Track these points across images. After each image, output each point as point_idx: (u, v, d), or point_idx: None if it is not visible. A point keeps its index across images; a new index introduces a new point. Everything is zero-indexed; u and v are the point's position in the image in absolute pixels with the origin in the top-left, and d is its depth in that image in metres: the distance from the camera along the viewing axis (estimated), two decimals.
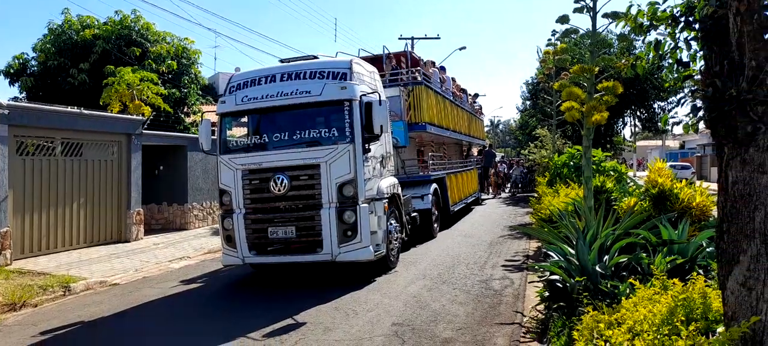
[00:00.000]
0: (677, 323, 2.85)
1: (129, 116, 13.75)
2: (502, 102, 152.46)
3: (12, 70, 19.06)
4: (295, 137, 8.25)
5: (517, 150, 40.88)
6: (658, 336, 2.70)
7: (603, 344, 2.72)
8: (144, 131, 13.92)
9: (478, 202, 20.56)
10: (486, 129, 38.42)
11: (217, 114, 8.72)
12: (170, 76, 19.30)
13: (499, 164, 28.96)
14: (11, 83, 19.15)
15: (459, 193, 16.01)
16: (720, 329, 3.30)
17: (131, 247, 12.76)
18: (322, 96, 8.02)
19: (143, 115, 14.88)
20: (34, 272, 9.72)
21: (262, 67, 8.96)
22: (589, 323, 3.60)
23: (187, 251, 12.28)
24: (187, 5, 32.07)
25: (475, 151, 23.48)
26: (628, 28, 4.30)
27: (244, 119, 8.85)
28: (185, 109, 20.50)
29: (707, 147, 36.69)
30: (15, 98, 18.73)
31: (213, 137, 9.08)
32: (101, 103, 15.73)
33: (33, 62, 19.29)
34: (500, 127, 75.46)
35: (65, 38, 18.67)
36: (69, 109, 11.82)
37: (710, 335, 3.37)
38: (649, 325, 2.78)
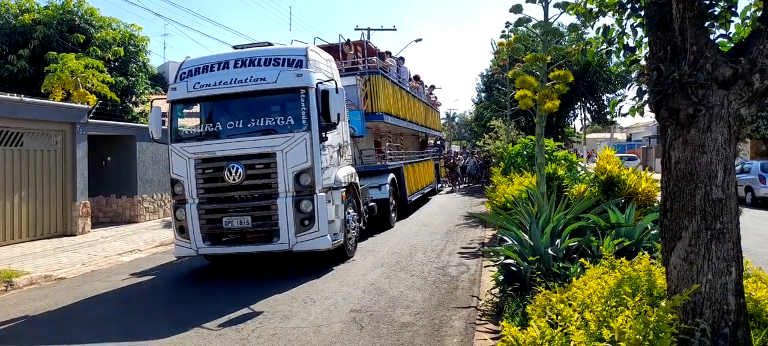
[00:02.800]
0: (623, 296, 2.97)
1: (73, 105, 13.18)
2: (458, 95, 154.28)
3: None
4: (250, 125, 8.11)
5: (472, 143, 41.52)
6: (606, 308, 2.81)
7: (555, 316, 2.81)
8: (90, 120, 13.37)
9: (434, 192, 20.79)
10: (442, 121, 38.86)
11: (167, 101, 8.47)
12: (117, 63, 18.59)
13: (456, 156, 29.35)
14: None
15: (416, 183, 16.14)
16: (663, 303, 3.46)
17: (78, 240, 12.27)
18: (277, 83, 7.91)
19: (88, 103, 14.29)
20: None
21: (214, 53, 8.73)
22: (542, 301, 3.71)
23: (138, 244, 11.91)
24: None
25: (431, 142, 23.70)
26: (579, 18, 4.42)
27: (197, 107, 8.62)
28: (133, 99, 19.82)
29: (653, 139, 38.28)
30: None
31: (164, 126, 8.81)
32: (43, 91, 15.01)
33: None
34: (456, 120, 76.34)
35: (2, 23, 17.68)
36: (8, 96, 11.21)
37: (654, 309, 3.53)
38: (597, 298, 2.88)
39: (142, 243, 12.03)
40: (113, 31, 19.05)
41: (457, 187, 25.50)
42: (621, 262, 4.06)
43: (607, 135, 56.34)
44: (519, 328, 2.90)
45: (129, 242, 12.14)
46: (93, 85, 15.27)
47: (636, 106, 3.33)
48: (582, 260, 4.36)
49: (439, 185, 22.09)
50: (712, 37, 3.23)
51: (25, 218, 11.82)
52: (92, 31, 18.43)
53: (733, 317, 2.94)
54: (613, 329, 2.48)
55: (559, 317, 2.81)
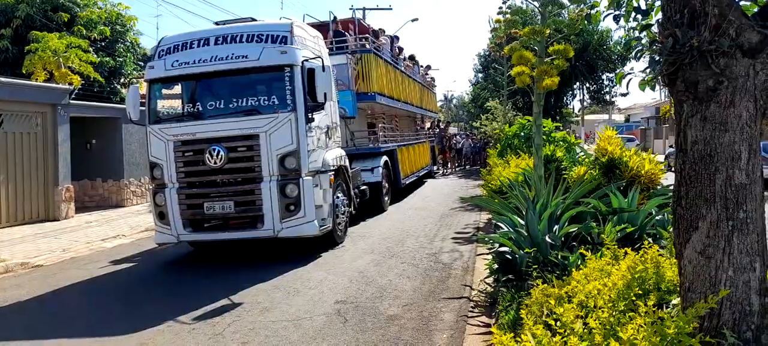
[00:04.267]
0: (633, 297, 2.60)
1: (53, 86, 12.68)
2: (455, 76, 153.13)
3: None
4: (231, 106, 7.68)
5: (469, 124, 41.04)
6: (614, 313, 2.44)
7: (553, 322, 2.45)
8: (73, 102, 12.90)
9: (430, 175, 20.40)
10: (440, 103, 38.26)
11: (145, 80, 8.02)
12: (103, 43, 18.02)
13: (453, 137, 28.89)
14: None
15: (411, 166, 15.75)
16: (674, 300, 3.09)
17: (60, 226, 11.88)
18: (260, 61, 7.46)
19: (71, 84, 13.79)
20: None
21: (195, 30, 8.26)
22: (538, 298, 3.34)
23: (123, 229, 11.53)
24: None
25: (427, 123, 23.25)
26: None
27: (176, 87, 8.17)
28: (121, 80, 19.29)
29: (651, 120, 37.90)
30: None
31: (142, 107, 8.36)
32: (24, 72, 14.50)
33: None
34: (454, 101, 75.70)
35: None
36: None
37: (664, 307, 3.16)
38: (603, 301, 2.51)
39: (126, 228, 11.65)
40: (99, 10, 18.45)
41: (454, 169, 24.97)
42: (625, 252, 3.70)
43: (605, 116, 55.91)
44: (512, 334, 2.52)
45: (113, 228, 11.76)
46: (76, 65, 14.73)
47: (647, 79, 2.92)
48: (582, 250, 3.98)
49: (435, 167, 21.64)
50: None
51: (5, 202, 11.42)
52: (77, 9, 17.84)
53: (757, 319, 2.58)
54: (622, 340, 2.11)
55: (558, 323, 2.44)
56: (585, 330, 2.28)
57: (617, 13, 3.05)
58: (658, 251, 3.77)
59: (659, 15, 3.05)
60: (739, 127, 2.61)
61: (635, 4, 3.00)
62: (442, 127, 26.08)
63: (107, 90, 17.98)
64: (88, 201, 14.87)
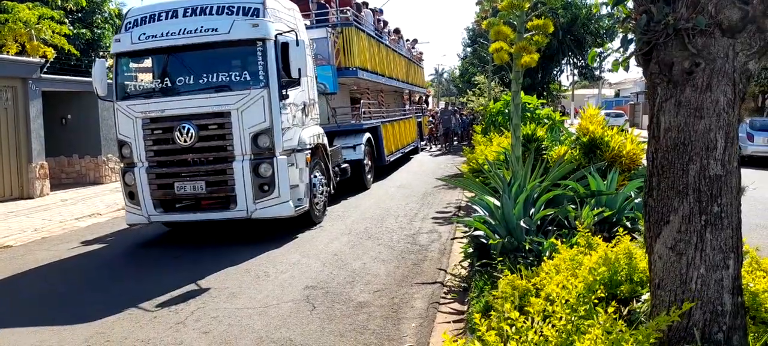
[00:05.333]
0: (595, 301, 2.43)
1: (22, 59, 12.24)
2: (446, 50, 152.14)
3: None
4: (201, 81, 7.38)
5: (457, 99, 40.68)
6: (574, 317, 2.26)
7: (508, 328, 2.26)
8: (45, 76, 12.48)
9: (416, 151, 20.19)
10: (430, 77, 37.92)
11: (111, 55, 7.69)
12: (80, 15, 17.45)
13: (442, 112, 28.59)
14: None
15: (396, 142, 15.51)
16: (645, 295, 2.93)
17: (34, 204, 11.59)
18: (230, 35, 7.14)
19: (44, 57, 13.34)
20: None
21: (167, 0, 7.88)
22: (505, 290, 3.17)
23: (98, 208, 11.26)
24: None
25: (416, 98, 22.92)
26: None
27: (146, 62, 7.85)
28: (100, 53, 18.75)
29: (640, 95, 37.77)
30: None
31: (109, 81, 8.04)
32: None
33: None
34: (445, 75, 75.14)
35: None
36: None
37: (634, 302, 3.01)
38: (561, 304, 2.33)
39: (102, 206, 11.38)
40: None
41: (444, 146, 24.27)
42: (597, 242, 3.53)
43: (595, 91, 55.75)
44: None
45: (88, 206, 11.48)
46: (49, 37, 14.24)
47: (620, 60, 2.71)
48: (556, 237, 3.81)
49: (423, 143, 21.39)
50: None
51: None
52: None
53: (729, 320, 2.41)
54: None
55: (514, 329, 2.26)
56: (541, 339, 2.10)
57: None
58: (631, 239, 3.61)
59: None
60: (716, 114, 2.41)
61: None
62: (426, 104, 25.63)
63: (85, 63, 17.47)
64: (65, 178, 14.54)
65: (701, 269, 2.40)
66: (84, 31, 17.32)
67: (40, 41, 13.92)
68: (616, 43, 2.69)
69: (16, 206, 11.36)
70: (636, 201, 5.06)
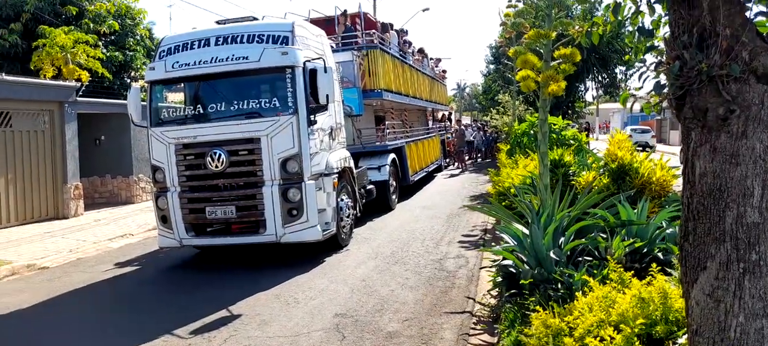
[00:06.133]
0: None
1: (59, 83, 12.67)
2: (468, 65, 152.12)
3: None
4: (232, 108, 7.56)
5: (481, 115, 40.56)
6: None
7: None
8: (80, 99, 12.89)
9: (440, 169, 20.18)
10: (452, 92, 37.88)
11: (145, 82, 7.93)
12: (113, 37, 17.99)
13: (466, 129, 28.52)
14: None
15: (420, 162, 15.56)
16: (682, 338, 2.92)
17: (69, 224, 11.92)
18: (260, 62, 7.31)
19: (80, 80, 13.78)
20: None
21: (196, 29, 8.12)
22: (538, 330, 3.18)
23: (130, 228, 11.53)
24: None
25: (439, 115, 22.92)
26: None
27: (178, 88, 8.08)
28: (132, 74, 19.28)
29: (667, 111, 37.14)
30: None
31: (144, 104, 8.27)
32: (32, 68, 14.52)
33: None
34: (467, 90, 75.12)
35: None
36: None
37: (671, 343, 2.99)
38: None
39: (134, 227, 11.65)
40: (107, 4, 18.41)
41: (460, 165, 22.21)
42: (630, 279, 3.51)
43: (620, 106, 54.99)
44: None
45: (121, 226, 11.77)
46: (84, 60, 14.71)
47: (652, 103, 2.72)
48: (585, 276, 3.80)
49: (446, 160, 21.28)
50: (749, 16, 2.60)
51: (13, 201, 11.47)
52: (85, 3, 17.81)
53: None
54: None
55: None
56: None
57: (620, 30, 2.84)
58: (665, 275, 3.59)
59: (665, 29, 2.84)
60: (752, 161, 2.40)
61: (639, 24, 2.79)
62: (450, 120, 25.30)
63: (117, 85, 17.98)
64: (97, 198, 14.92)
65: (740, 318, 2.39)
66: (117, 54, 17.83)
67: (75, 65, 14.39)
68: (639, 80, 2.70)
69: (52, 226, 11.70)
70: (668, 231, 5.00)
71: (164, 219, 7.74)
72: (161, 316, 5.82)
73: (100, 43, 17.11)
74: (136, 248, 9.79)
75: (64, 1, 17.51)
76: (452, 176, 19.33)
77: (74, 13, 17.28)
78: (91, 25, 17.23)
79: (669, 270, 4.18)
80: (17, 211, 11.58)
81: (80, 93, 13.02)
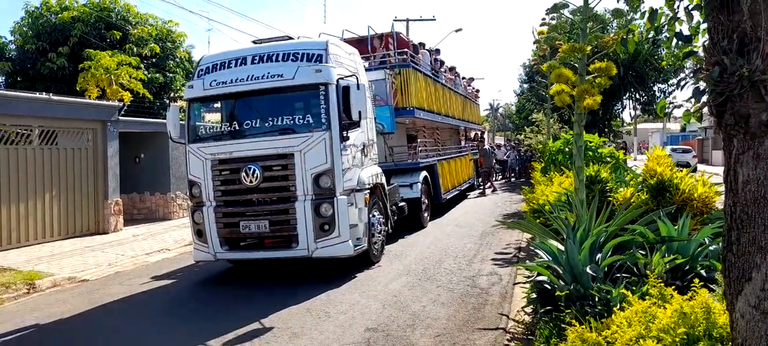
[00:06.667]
0: None
1: (103, 102, 13.17)
2: (501, 85, 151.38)
3: None
4: (267, 125, 7.70)
5: (515, 135, 40.17)
6: None
7: None
8: (122, 118, 13.35)
9: (473, 188, 20.01)
10: (485, 112, 37.73)
11: (183, 99, 8.16)
12: (154, 60, 18.63)
13: (496, 149, 28.27)
14: None
15: (452, 180, 15.48)
16: None
17: (109, 239, 12.26)
18: (295, 80, 7.45)
19: (122, 100, 14.29)
20: (0, 268, 9.23)
21: (233, 49, 8.35)
22: (574, 344, 3.09)
23: (167, 243, 11.79)
24: None
25: (472, 135, 22.80)
26: (622, 1, 3.74)
27: (215, 105, 8.29)
28: (171, 95, 19.89)
29: (709, 130, 36.07)
30: None
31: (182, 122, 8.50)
32: (78, 89, 15.13)
33: (11, 46, 18.63)
34: (500, 110, 74.67)
35: (43, 21, 18.00)
36: (38, 95, 11.24)
37: None
38: None
39: (171, 242, 11.90)
40: (150, 27, 19.11)
41: (493, 185, 21.03)
42: (671, 294, 3.39)
43: (659, 125, 53.74)
44: None
45: (158, 241, 12.04)
46: (126, 82, 15.27)
47: (692, 110, 2.65)
48: (623, 290, 3.68)
49: (479, 180, 21.04)
50: None
51: (57, 216, 11.88)
52: (129, 27, 18.54)
53: None
54: None
55: None
56: None
57: (657, 37, 2.80)
58: (708, 291, 3.45)
59: (705, 37, 2.78)
60: None
61: (677, 29, 2.74)
62: (482, 139, 24.80)
63: (157, 105, 18.56)
64: (136, 214, 15.34)
65: None
66: (157, 75, 18.45)
67: (118, 86, 14.94)
68: (678, 88, 2.64)
69: (93, 240, 12.05)
70: (711, 248, 4.82)
71: (200, 233, 7.89)
72: (194, 327, 5.90)
73: (142, 66, 17.75)
74: (172, 262, 9.99)
75: (108, 25, 18.28)
76: (484, 195, 19.11)
77: (118, 37, 18.00)
78: (134, 48, 17.89)
79: (712, 287, 4.02)
80: (60, 226, 11.99)
81: (122, 113, 13.49)
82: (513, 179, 25.65)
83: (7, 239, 10.84)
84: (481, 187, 19.79)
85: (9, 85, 17.45)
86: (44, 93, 11.74)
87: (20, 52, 18.07)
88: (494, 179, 22.59)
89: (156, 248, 11.34)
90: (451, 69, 17.97)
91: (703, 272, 4.72)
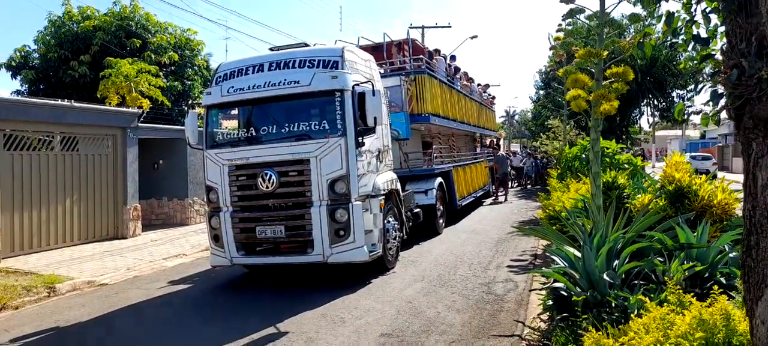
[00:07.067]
0: None
1: (123, 109, 13.38)
2: (517, 92, 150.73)
3: (14, 63, 18.84)
4: (283, 131, 7.77)
5: (531, 141, 39.94)
6: None
7: None
8: (141, 125, 13.55)
9: (488, 195, 19.91)
10: (501, 119, 37.55)
11: (202, 106, 8.27)
12: (173, 68, 18.91)
13: (512, 156, 28.09)
14: (13, 76, 18.94)
15: (467, 187, 15.42)
16: None
17: (127, 244, 12.42)
18: (311, 86, 7.51)
19: (141, 107, 14.51)
20: (22, 272, 9.40)
21: (250, 56, 8.45)
22: None
23: (184, 248, 11.91)
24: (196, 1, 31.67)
25: (487, 141, 22.71)
26: (639, 4, 3.72)
27: (233, 112, 8.38)
28: (190, 102, 20.15)
29: (729, 137, 35.49)
30: (17, 92, 18.55)
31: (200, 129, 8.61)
32: (99, 96, 15.41)
33: (34, 55, 19.05)
34: (516, 117, 74.32)
35: (65, 30, 18.38)
36: (59, 102, 11.47)
37: None
38: None
39: (188, 247, 12.02)
40: (169, 36, 19.41)
41: (498, 192, 20.03)
42: (690, 300, 3.35)
43: (678, 132, 53.03)
44: None
45: (175, 246, 12.17)
46: (146, 89, 15.51)
47: (710, 114, 2.63)
48: (641, 296, 3.64)
49: (493, 188, 20.88)
50: None
51: (77, 221, 12.07)
52: (148, 36, 18.86)
53: None
54: None
55: None
56: None
57: (674, 40, 2.78)
58: (728, 298, 3.40)
59: (723, 40, 2.76)
60: None
61: (695, 32, 2.72)
62: (498, 146, 24.49)
63: (175, 112, 18.81)
64: (154, 219, 15.52)
65: None
66: (176, 83, 18.71)
67: (138, 93, 15.19)
68: (696, 91, 2.62)
69: (111, 245, 12.22)
70: (731, 255, 4.75)
71: (216, 238, 7.96)
72: (210, 331, 5.95)
73: (160, 73, 18.01)
74: (189, 267, 10.08)
75: (129, 34, 18.60)
76: (498, 202, 18.98)
77: (138, 45, 18.31)
78: (153, 56, 18.18)
79: (732, 295, 3.96)
80: (80, 230, 12.18)
81: (141, 119, 13.70)
82: (529, 186, 25.51)
83: (28, 244, 11.04)
84: (495, 194, 19.62)
85: (32, 92, 17.83)
86: (66, 100, 11.93)
87: (43, 60, 18.46)
88: (510, 186, 22.15)
89: (173, 252, 11.46)
90: (465, 74, 17.94)
91: (722, 279, 4.65)
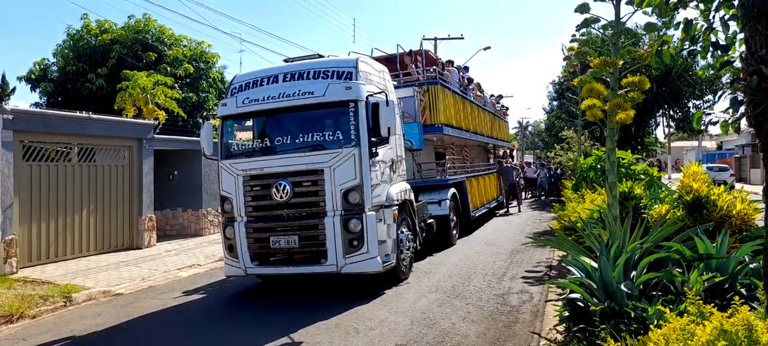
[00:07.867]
0: None
1: (139, 121, 13.55)
2: (530, 103, 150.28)
3: (33, 76, 19.20)
4: (297, 141, 7.81)
5: (544, 152, 39.72)
6: None
7: None
8: (157, 136, 13.70)
9: (501, 206, 19.80)
10: (514, 130, 37.47)
11: (217, 117, 8.34)
12: (188, 80, 19.15)
13: (525, 166, 27.96)
14: (33, 89, 19.30)
15: (480, 197, 15.35)
16: None
17: (142, 254, 12.52)
18: (325, 97, 7.55)
19: (157, 119, 14.69)
20: (39, 281, 9.51)
21: (265, 67, 8.53)
22: None
23: (198, 259, 11.98)
24: (210, 12, 32.14)
25: (500, 152, 22.62)
26: (655, 14, 3.70)
27: (247, 122, 8.45)
28: (205, 113, 20.36)
29: (747, 148, 34.98)
30: (36, 104, 18.88)
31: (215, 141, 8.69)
32: (115, 108, 15.63)
33: (53, 67, 19.40)
34: (529, 128, 74.01)
35: (83, 43, 18.73)
36: (77, 114, 11.64)
37: None
38: None
39: (202, 258, 12.09)
40: (184, 48, 19.67)
41: (520, 202, 20.41)
42: (711, 311, 3.29)
43: (695, 143, 52.42)
44: None
45: (190, 256, 12.24)
46: (162, 101, 15.71)
47: (730, 121, 2.60)
48: (660, 306, 3.59)
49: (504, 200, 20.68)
50: None
51: (93, 231, 12.20)
52: (164, 49, 19.13)
53: None
54: None
55: None
56: None
57: (693, 48, 2.76)
58: (750, 309, 3.33)
59: (742, 47, 2.73)
60: None
61: (713, 39, 2.69)
62: (511, 156, 24.24)
63: (190, 124, 19.00)
64: (169, 230, 15.64)
65: None
66: (191, 95, 18.92)
67: (154, 105, 15.38)
68: (715, 98, 2.59)
69: (127, 255, 12.32)
70: (751, 266, 4.67)
71: (231, 248, 8.00)
72: (224, 341, 5.96)
73: (176, 85, 18.24)
74: (203, 277, 10.13)
75: (145, 46, 18.89)
76: (513, 213, 18.87)
77: (154, 58, 18.59)
78: (169, 68, 18.44)
79: (754, 306, 3.89)
80: (96, 241, 12.30)
81: (157, 131, 13.86)
82: (542, 198, 25.32)
83: (45, 254, 11.17)
84: (507, 205, 19.44)
85: (51, 105, 18.14)
86: (83, 112, 12.10)
87: (62, 73, 18.80)
88: (521, 197, 21.75)
89: (188, 263, 11.53)
90: (479, 86, 17.93)
91: (743, 290, 4.57)
